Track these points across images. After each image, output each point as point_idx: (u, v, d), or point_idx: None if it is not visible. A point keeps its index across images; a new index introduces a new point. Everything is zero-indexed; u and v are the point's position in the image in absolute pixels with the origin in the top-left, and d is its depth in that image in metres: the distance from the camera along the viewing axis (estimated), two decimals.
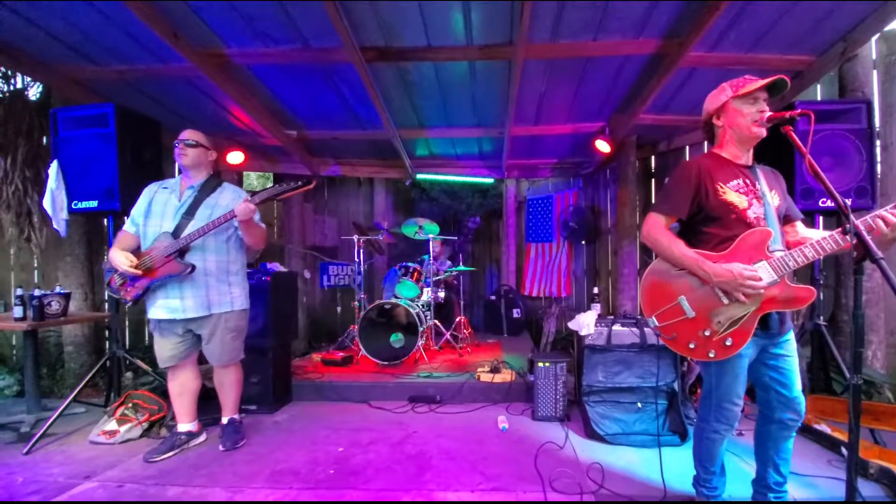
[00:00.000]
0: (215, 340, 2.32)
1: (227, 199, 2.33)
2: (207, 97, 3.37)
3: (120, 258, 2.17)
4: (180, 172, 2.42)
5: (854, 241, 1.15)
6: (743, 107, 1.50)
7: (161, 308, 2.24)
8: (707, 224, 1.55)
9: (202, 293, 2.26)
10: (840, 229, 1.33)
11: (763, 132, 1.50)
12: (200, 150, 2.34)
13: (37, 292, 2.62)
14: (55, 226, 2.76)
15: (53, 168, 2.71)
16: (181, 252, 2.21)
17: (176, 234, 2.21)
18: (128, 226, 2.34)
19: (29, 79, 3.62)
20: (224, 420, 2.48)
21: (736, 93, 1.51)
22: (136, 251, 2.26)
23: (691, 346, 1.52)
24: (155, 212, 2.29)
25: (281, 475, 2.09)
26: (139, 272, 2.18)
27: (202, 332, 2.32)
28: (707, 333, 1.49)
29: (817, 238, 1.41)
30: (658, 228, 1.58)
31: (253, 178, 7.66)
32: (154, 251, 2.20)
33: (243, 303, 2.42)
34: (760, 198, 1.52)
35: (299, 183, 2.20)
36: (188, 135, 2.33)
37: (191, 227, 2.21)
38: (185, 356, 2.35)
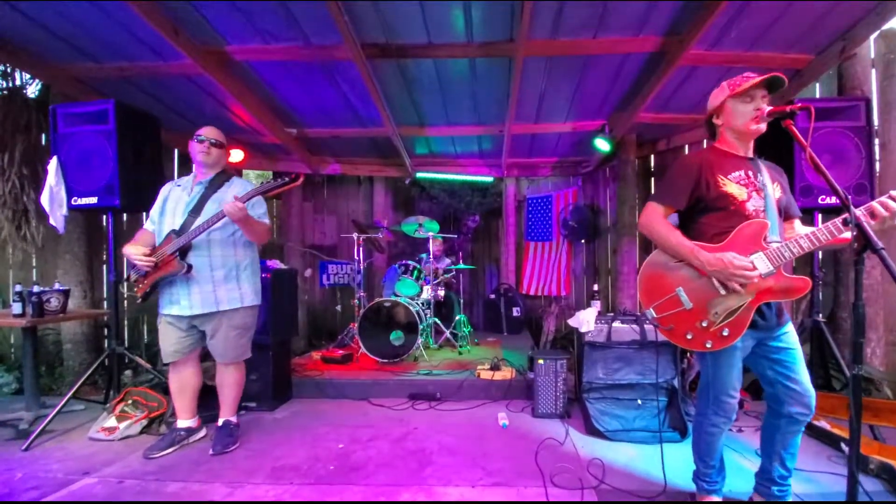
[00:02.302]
0: (219, 336, 2.31)
1: (234, 193, 2.29)
2: (207, 94, 3.37)
3: (131, 251, 2.21)
4: (191, 169, 2.43)
5: (855, 232, 1.16)
6: (739, 106, 1.53)
7: (172, 305, 2.27)
8: (705, 215, 1.56)
9: (209, 289, 2.26)
10: (836, 220, 1.33)
11: (761, 128, 1.51)
12: (222, 151, 2.41)
13: (35, 289, 2.62)
14: (52, 222, 2.76)
15: (53, 164, 2.71)
16: (184, 250, 2.21)
17: (182, 231, 2.23)
18: (147, 224, 2.39)
19: (28, 76, 3.62)
20: (219, 422, 2.43)
21: (732, 92, 1.52)
22: (153, 248, 2.29)
23: (688, 336, 1.53)
24: (168, 209, 2.33)
25: (282, 471, 2.08)
26: (152, 262, 2.21)
27: (206, 328, 2.31)
28: (704, 324, 1.50)
29: (813, 230, 1.42)
30: (656, 218, 1.59)
31: (252, 177, 7.65)
32: (162, 249, 2.23)
33: (253, 299, 2.40)
34: (760, 189, 1.53)
35: (287, 179, 2.18)
36: (214, 134, 2.36)
37: (196, 225, 2.22)
38: (189, 351, 2.34)
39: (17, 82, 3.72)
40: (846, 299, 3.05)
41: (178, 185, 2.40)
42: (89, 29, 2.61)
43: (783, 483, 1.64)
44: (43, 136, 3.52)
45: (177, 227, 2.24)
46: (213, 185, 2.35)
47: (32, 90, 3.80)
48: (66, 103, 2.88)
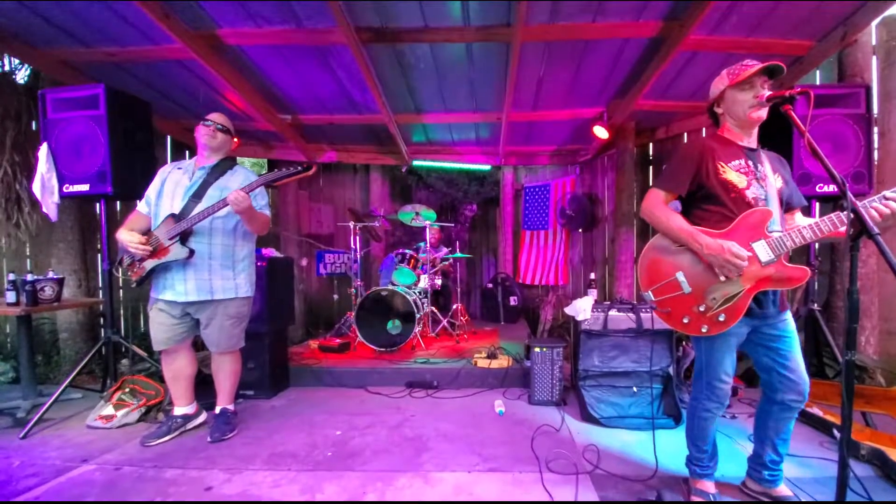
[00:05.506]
0: (214, 325, 2.30)
1: (238, 182, 2.26)
2: (199, 80, 3.30)
3: (127, 236, 2.17)
4: (194, 154, 2.42)
5: (851, 217, 1.15)
6: (739, 94, 1.52)
7: (166, 290, 2.24)
8: (706, 202, 1.56)
9: (205, 277, 2.23)
10: (841, 213, 1.32)
11: (762, 115, 1.51)
12: (228, 138, 2.38)
13: (29, 277, 2.60)
14: (45, 210, 2.72)
15: (43, 151, 2.66)
16: (184, 235, 2.18)
17: (182, 216, 2.19)
18: (140, 206, 2.33)
19: (17, 61, 3.54)
20: (217, 410, 2.44)
21: (732, 81, 1.52)
22: (148, 232, 2.25)
23: (685, 320, 1.54)
24: (167, 192, 2.28)
25: (279, 457, 2.10)
26: (148, 249, 2.17)
27: (201, 317, 2.30)
28: (701, 309, 1.51)
29: (816, 220, 1.42)
30: (657, 204, 1.60)
31: (247, 165, 7.59)
32: (159, 232, 2.19)
33: (248, 290, 2.39)
34: (761, 179, 1.53)
35: (298, 168, 2.14)
36: (221, 119, 2.35)
37: (197, 210, 2.18)
38: (181, 340, 2.33)
39: (6, 68, 3.65)
40: (841, 288, 3.06)
41: (179, 168, 2.35)
42: (77, 11, 2.54)
43: (774, 468, 1.67)
44: (34, 123, 3.46)
45: (176, 211, 2.20)
46: (216, 172, 2.31)
47: (22, 76, 3.73)
48: (55, 88, 2.82)
